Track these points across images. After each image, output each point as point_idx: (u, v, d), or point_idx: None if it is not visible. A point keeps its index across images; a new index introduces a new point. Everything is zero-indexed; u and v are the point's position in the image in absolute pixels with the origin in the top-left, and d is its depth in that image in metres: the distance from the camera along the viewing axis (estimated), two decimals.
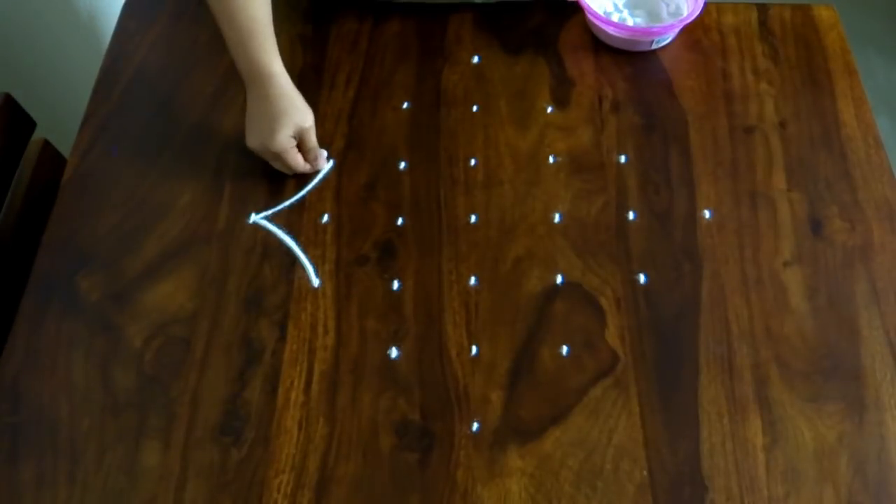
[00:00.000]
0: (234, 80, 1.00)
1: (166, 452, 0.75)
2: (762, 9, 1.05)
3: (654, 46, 1.01)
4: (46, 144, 1.01)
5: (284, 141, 0.87)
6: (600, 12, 1.00)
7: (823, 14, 1.06)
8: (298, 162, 0.89)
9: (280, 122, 0.87)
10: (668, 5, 1.03)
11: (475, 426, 0.76)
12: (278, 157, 0.88)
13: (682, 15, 1.00)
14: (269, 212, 0.90)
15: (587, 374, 0.79)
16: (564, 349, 0.80)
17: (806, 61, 1.01)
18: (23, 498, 0.74)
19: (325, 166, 0.93)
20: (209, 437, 0.76)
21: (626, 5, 1.04)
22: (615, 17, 1.02)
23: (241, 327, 0.82)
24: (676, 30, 0.99)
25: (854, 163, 0.93)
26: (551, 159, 0.94)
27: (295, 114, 0.88)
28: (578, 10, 1.03)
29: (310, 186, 0.92)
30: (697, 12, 0.98)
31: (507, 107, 0.98)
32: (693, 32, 0.99)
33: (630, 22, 1.01)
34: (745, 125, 0.96)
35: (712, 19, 1.04)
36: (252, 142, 0.89)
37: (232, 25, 0.87)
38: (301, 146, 0.90)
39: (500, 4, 1.06)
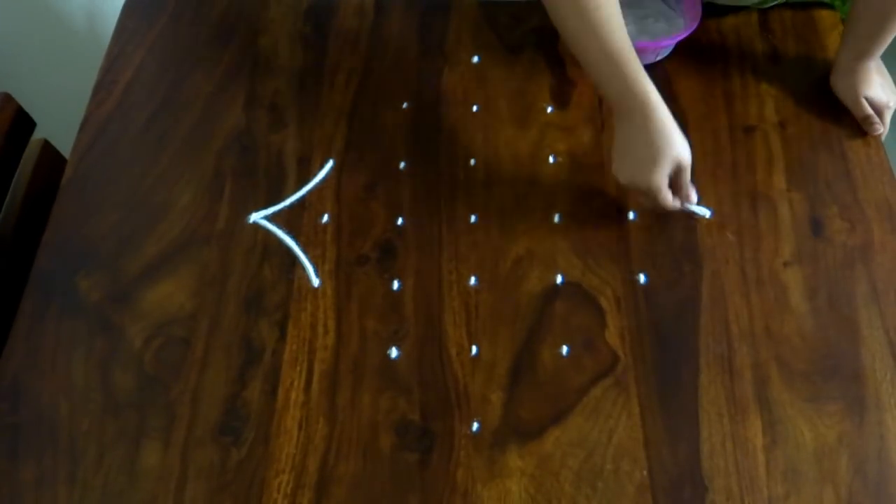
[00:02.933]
0: (234, 80, 1.01)
1: (166, 452, 0.75)
2: (762, 11, 1.05)
3: (656, 59, 1.00)
4: (46, 144, 1.01)
5: (662, 179, 0.80)
6: None
7: (824, 14, 1.06)
8: (669, 200, 0.82)
9: (660, 158, 0.79)
10: (654, 19, 1.02)
11: (475, 426, 0.76)
12: (653, 193, 0.81)
13: (676, 24, 1.00)
14: (269, 212, 0.90)
15: (587, 374, 0.79)
16: (564, 349, 0.80)
17: (806, 61, 1.01)
18: (23, 498, 0.74)
19: (324, 169, 0.93)
20: (209, 437, 0.76)
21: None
22: None
23: (240, 327, 0.82)
24: (677, 41, 0.99)
25: (854, 163, 0.93)
26: (551, 159, 0.94)
27: (675, 149, 0.79)
28: None
29: (310, 186, 0.92)
30: (697, 21, 0.98)
31: (507, 107, 0.98)
32: (693, 32, 0.98)
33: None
34: (745, 125, 0.96)
35: (712, 19, 1.04)
36: (623, 175, 0.82)
37: (604, 51, 0.79)
38: (674, 182, 0.82)
39: (501, 4, 1.06)
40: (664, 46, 0.98)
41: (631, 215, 0.89)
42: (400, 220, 0.89)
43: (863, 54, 0.93)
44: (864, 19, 0.91)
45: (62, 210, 0.91)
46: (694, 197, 0.85)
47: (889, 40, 0.91)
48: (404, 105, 0.98)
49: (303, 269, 0.86)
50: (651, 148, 0.79)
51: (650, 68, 1.00)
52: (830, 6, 1.06)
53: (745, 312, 0.82)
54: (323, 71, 1.02)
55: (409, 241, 0.88)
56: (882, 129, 0.94)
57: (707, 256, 0.86)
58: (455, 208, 0.90)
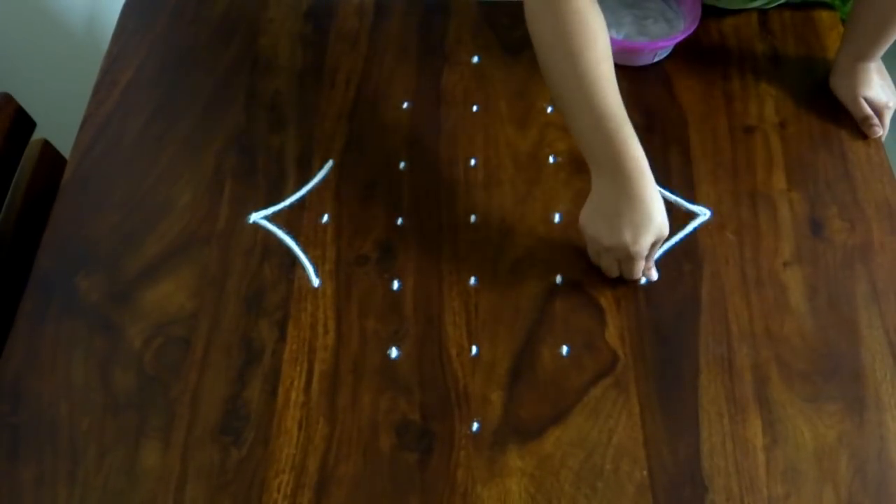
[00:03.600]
0: (234, 80, 1.01)
1: (166, 452, 0.75)
2: (762, 11, 1.05)
3: (655, 59, 1.00)
4: (46, 144, 1.01)
5: (647, 246, 0.78)
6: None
7: (823, 15, 1.06)
8: (640, 269, 0.81)
9: (648, 227, 0.77)
10: (654, 20, 1.02)
11: (475, 426, 0.76)
12: (633, 258, 0.79)
13: (675, 25, 1.00)
14: (269, 212, 0.90)
15: (587, 374, 0.79)
16: (564, 349, 0.80)
17: (806, 61, 1.01)
18: (23, 498, 0.74)
19: (324, 169, 0.93)
20: (209, 437, 0.76)
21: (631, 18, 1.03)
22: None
23: (241, 327, 0.82)
24: (677, 41, 0.99)
25: (854, 163, 0.93)
26: (551, 159, 0.94)
27: (662, 220, 0.78)
28: None
29: (310, 186, 0.92)
30: (697, 22, 0.98)
31: (507, 107, 0.98)
32: (693, 33, 0.98)
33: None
34: (745, 125, 0.96)
35: (712, 19, 1.04)
36: (609, 238, 0.79)
37: (601, 111, 0.76)
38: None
39: (501, 4, 1.06)
40: (662, 47, 0.98)
41: None
42: (400, 220, 0.89)
43: (863, 55, 0.93)
44: (864, 21, 0.91)
45: (62, 210, 0.91)
46: (654, 274, 0.83)
47: (890, 42, 0.91)
48: (404, 105, 0.98)
49: (303, 269, 0.86)
50: (641, 215, 0.77)
51: (649, 68, 1.00)
52: (830, 6, 1.06)
53: (745, 312, 0.82)
54: (323, 71, 1.02)
55: (409, 241, 0.88)
56: (881, 132, 0.94)
57: (707, 256, 0.86)
58: (455, 208, 0.90)
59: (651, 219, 0.77)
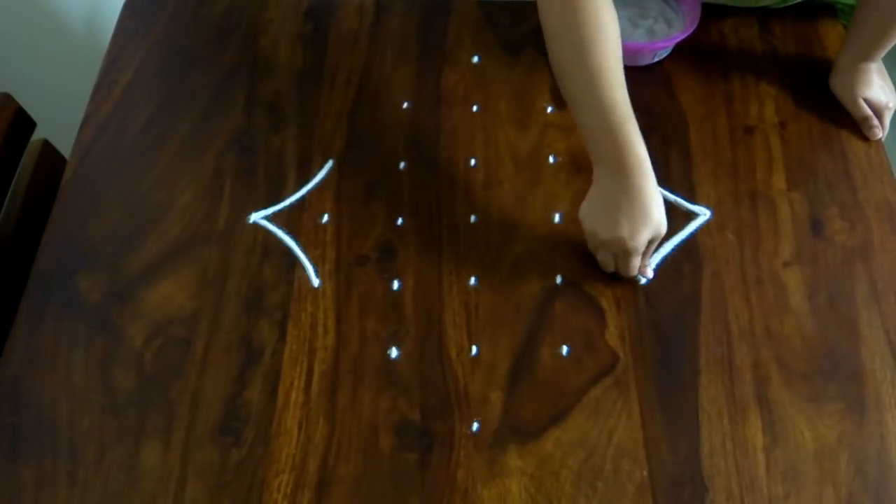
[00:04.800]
0: (234, 80, 1.01)
1: (166, 452, 0.75)
2: (763, 10, 1.05)
3: (655, 59, 1.00)
4: (46, 144, 1.01)
5: (644, 241, 0.79)
6: None
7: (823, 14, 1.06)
8: (636, 265, 0.81)
9: (646, 223, 0.78)
10: (654, 19, 1.02)
11: (475, 426, 0.76)
12: (629, 254, 0.80)
13: (675, 25, 1.00)
14: (269, 212, 0.90)
15: (587, 374, 0.79)
16: (564, 349, 0.80)
17: (806, 61, 1.01)
18: (23, 498, 0.74)
19: (324, 169, 0.93)
20: (209, 437, 0.76)
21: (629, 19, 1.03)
22: None
23: (241, 327, 0.82)
24: (677, 41, 0.99)
25: (854, 163, 0.93)
26: (551, 159, 0.94)
27: (660, 218, 0.78)
28: None
29: (310, 186, 0.92)
30: (696, 22, 0.98)
31: (507, 107, 0.98)
32: (693, 33, 0.98)
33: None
34: (745, 125, 0.96)
35: (712, 19, 1.04)
36: (607, 231, 0.79)
37: (608, 105, 0.76)
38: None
39: (501, 4, 1.06)
40: (662, 48, 0.98)
41: None
42: (400, 220, 0.89)
43: (864, 56, 0.93)
44: (867, 21, 0.91)
45: (62, 210, 0.91)
46: (650, 272, 0.83)
47: (892, 43, 0.91)
48: (404, 105, 0.98)
49: (303, 269, 0.86)
50: (640, 211, 0.77)
51: (649, 69, 1.00)
52: (832, 12, 1.05)
53: (745, 312, 0.82)
54: (323, 71, 1.02)
55: (409, 241, 0.88)
56: (881, 133, 0.94)
57: (707, 256, 0.86)
58: (455, 208, 0.90)
59: (649, 215, 0.78)
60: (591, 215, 0.81)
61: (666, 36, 1.00)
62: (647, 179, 0.77)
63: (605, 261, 0.83)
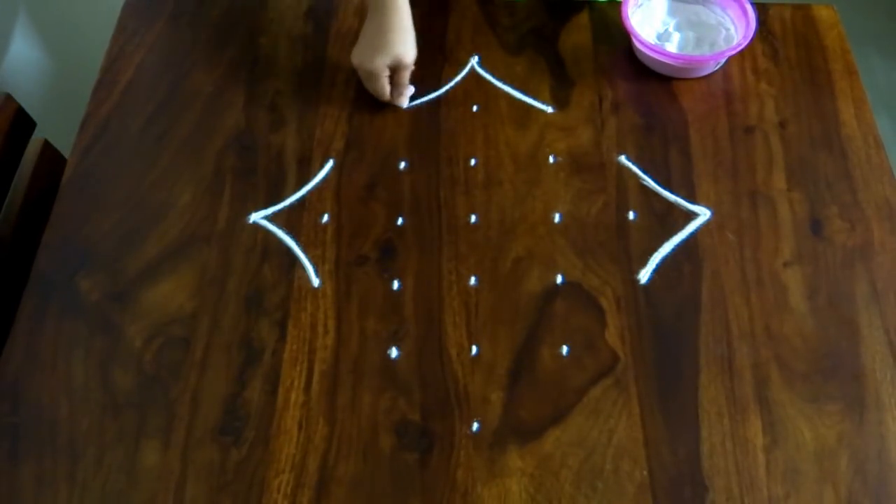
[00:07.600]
0: (234, 80, 1.01)
1: (166, 452, 0.75)
2: (762, 9, 1.05)
3: (713, 70, 0.99)
4: (46, 144, 1.01)
5: (380, 66, 0.93)
6: (652, 37, 0.99)
7: (823, 14, 1.06)
8: (385, 90, 0.96)
9: (383, 49, 0.93)
10: (725, 29, 1.01)
11: (475, 426, 0.76)
12: (370, 77, 0.95)
13: (733, 34, 0.99)
14: (269, 212, 0.90)
15: (587, 374, 0.79)
16: (564, 349, 0.80)
17: (806, 61, 1.01)
18: (23, 498, 0.74)
19: (324, 169, 0.93)
20: (209, 437, 0.76)
21: (678, 27, 1.02)
22: (664, 41, 1.00)
23: (241, 327, 0.82)
24: (734, 53, 0.97)
25: (854, 163, 0.93)
26: (551, 159, 0.94)
27: (399, 47, 0.93)
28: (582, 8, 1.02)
29: (310, 186, 0.92)
30: (752, 33, 0.96)
31: (507, 107, 0.98)
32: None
33: (673, 43, 1.00)
34: (745, 125, 0.96)
35: None
36: (354, 58, 0.95)
37: None
38: (394, 79, 0.96)
39: (501, 4, 1.06)
40: (725, 57, 0.98)
41: (631, 215, 0.89)
42: (400, 220, 0.89)
43: None
44: None
45: (62, 210, 0.91)
46: (405, 100, 0.97)
47: None
48: (404, 105, 0.98)
49: (303, 269, 0.86)
50: (381, 39, 0.93)
51: (649, 69, 1.00)
52: (830, 6, 1.05)
53: (745, 312, 0.82)
54: (323, 71, 1.02)
55: (409, 241, 0.88)
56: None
57: (707, 256, 0.86)
58: (455, 208, 0.90)
59: (389, 43, 0.93)
60: (355, 50, 0.96)
61: (727, 45, 0.99)
62: (397, 16, 0.92)
63: (374, 89, 0.96)
